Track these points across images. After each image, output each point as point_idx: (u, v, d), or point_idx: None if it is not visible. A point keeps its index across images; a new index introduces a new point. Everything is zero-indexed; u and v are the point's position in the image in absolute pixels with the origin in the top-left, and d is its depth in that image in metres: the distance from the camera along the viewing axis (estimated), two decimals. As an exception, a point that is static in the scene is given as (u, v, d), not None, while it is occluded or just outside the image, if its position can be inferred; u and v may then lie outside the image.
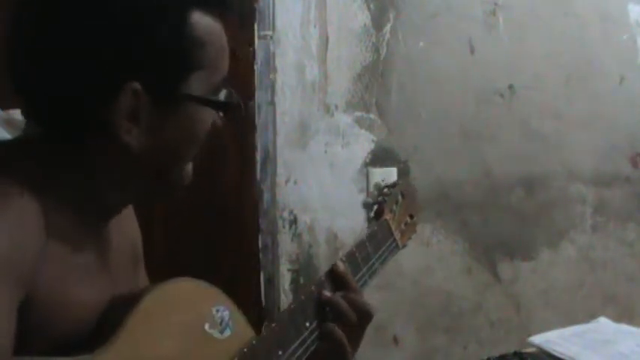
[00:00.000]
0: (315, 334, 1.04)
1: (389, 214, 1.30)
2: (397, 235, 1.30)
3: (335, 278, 1.08)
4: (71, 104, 0.82)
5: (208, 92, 0.88)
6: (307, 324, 1.03)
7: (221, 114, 0.91)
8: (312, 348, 1.03)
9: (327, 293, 1.05)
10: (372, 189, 1.38)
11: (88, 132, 0.83)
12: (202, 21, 0.85)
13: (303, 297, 1.04)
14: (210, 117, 0.90)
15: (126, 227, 0.99)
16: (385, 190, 1.34)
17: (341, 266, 1.09)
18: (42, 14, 0.82)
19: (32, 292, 0.75)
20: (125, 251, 0.97)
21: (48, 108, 0.84)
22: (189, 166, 0.92)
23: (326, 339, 1.04)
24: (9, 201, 0.76)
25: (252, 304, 1.98)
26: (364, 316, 1.06)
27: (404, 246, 1.33)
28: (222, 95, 0.90)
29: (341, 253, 1.16)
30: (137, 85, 0.81)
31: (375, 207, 1.31)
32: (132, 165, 0.86)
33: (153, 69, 0.83)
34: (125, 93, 0.81)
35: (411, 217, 1.38)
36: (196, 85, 0.86)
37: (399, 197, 1.35)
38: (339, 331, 1.03)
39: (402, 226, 1.34)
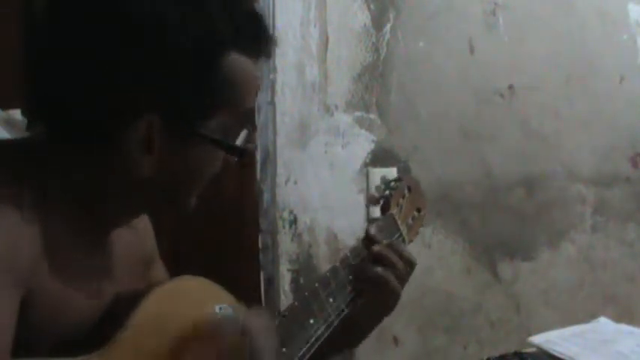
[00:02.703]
0: (336, 313, 1.08)
1: (395, 208, 1.29)
2: (404, 229, 1.29)
3: (369, 243, 1.16)
4: (86, 121, 0.81)
5: (228, 131, 0.87)
6: (331, 300, 1.07)
7: (235, 158, 0.91)
8: (317, 344, 1.05)
9: (377, 246, 1.15)
10: (378, 182, 1.38)
11: (99, 145, 0.83)
12: (236, 62, 0.84)
13: (328, 273, 1.10)
14: (221, 158, 0.89)
15: (137, 234, 0.99)
16: (392, 183, 1.33)
17: (372, 229, 1.18)
18: (74, 31, 0.81)
19: (30, 293, 0.75)
20: (131, 257, 0.97)
21: (67, 119, 0.83)
22: (193, 199, 0.92)
23: (375, 286, 1.12)
24: (9, 200, 0.75)
25: (252, 304, 1.98)
26: (409, 263, 1.16)
27: (410, 241, 1.32)
28: (240, 136, 0.89)
29: (342, 252, 1.16)
30: (155, 118, 0.81)
31: (382, 201, 1.30)
32: (135, 187, 0.85)
33: (176, 106, 0.82)
34: (141, 123, 0.80)
35: (419, 210, 1.37)
36: (217, 124, 0.85)
37: (406, 191, 1.34)
38: (391, 276, 1.13)
39: (409, 220, 1.33)
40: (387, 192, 1.31)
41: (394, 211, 1.28)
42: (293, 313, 1.03)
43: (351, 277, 1.13)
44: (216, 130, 0.85)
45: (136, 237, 0.99)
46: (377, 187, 1.36)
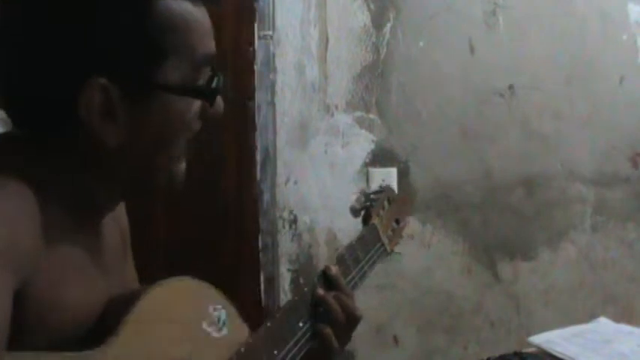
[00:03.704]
0: (309, 333, 1.05)
1: (376, 218, 1.31)
2: (385, 240, 1.31)
3: (327, 280, 1.10)
4: (38, 102, 0.81)
5: (188, 78, 0.84)
6: (301, 324, 1.04)
7: (206, 102, 0.87)
8: (307, 348, 1.04)
9: (321, 291, 1.08)
10: (358, 195, 1.38)
11: (67, 129, 0.82)
12: (173, 5, 0.82)
13: (296, 297, 1.06)
14: (190, 106, 0.86)
15: (116, 222, 0.99)
16: (372, 196, 1.35)
17: (333, 269, 1.11)
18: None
19: (28, 288, 0.75)
20: (117, 247, 0.97)
21: (19, 106, 0.83)
22: (182, 165, 0.89)
23: (316, 336, 1.06)
24: (5, 193, 0.75)
25: (252, 304, 1.98)
26: (352, 319, 1.09)
27: (392, 251, 1.34)
28: (211, 81, 0.86)
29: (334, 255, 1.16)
30: (102, 80, 0.78)
31: (363, 212, 1.31)
32: (114, 160, 0.84)
33: (119, 60, 0.80)
34: (90, 88, 0.78)
35: (397, 222, 1.39)
36: (173, 72, 0.82)
37: (385, 203, 1.36)
38: (328, 329, 1.06)
39: (389, 231, 1.35)
40: (368, 203, 1.32)
41: (376, 221, 1.30)
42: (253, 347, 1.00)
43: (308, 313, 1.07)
44: (173, 80, 0.82)
45: (118, 233, 0.98)
46: (357, 199, 1.36)
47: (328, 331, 1.06)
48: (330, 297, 1.07)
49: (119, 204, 0.93)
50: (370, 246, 1.25)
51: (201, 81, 0.86)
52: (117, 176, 0.86)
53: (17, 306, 0.73)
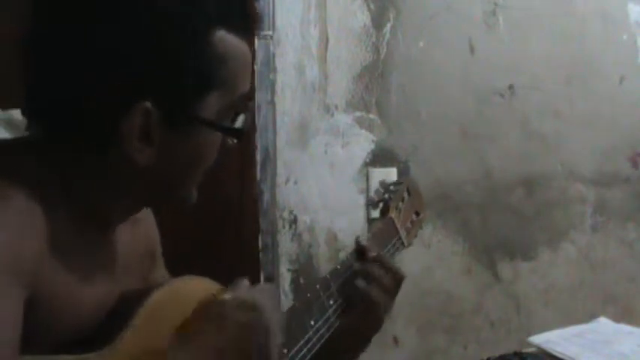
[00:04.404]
0: (332, 318, 1.06)
1: (394, 211, 1.29)
2: (403, 233, 1.30)
3: (360, 254, 1.14)
4: (81, 115, 0.81)
5: (223, 113, 0.86)
6: (312, 322, 1.04)
7: (234, 140, 0.90)
8: (319, 345, 1.04)
9: (371, 252, 1.13)
10: (377, 186, 1.37)
11: (97, 141, 0.82)
12: (225, 39, 0.83)
13: (308, 294, 1.06)
14: (219, 139, 0.88)
15: (140, 232, 0.99)
16: (391, 187, 1.33)
17: (364, 240, 1.15)
18: (58, 23, 0.81)
19: (35, 293, 0.75)
20: (133, 256, 0.97)
21: (61, 116, 0.83)
22: (195, 191, 0.91)
23: (362, 302, 1.10)
24: (12, 200, 0.75)
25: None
26: (397, 277, 1.13)
27: (410, 244, 1.32)
28: (237, 120, 0.88)
29: (342, 254, 1.17)
30: (149, 105, 0.80)
31: (381, 205, 1.30)
32: (137, 179, 0.85)
33: (169, 90, 0.81)
34: (136, 112, 0.80)
35: (417, 214, 1.37)
36: (212, 105, 0.84)
37: (405, 194, 1.34)
38: (376, 291, 1.10)
39: (408, 223, 1.33)
40: (386, 195, 1.31)
41: (393, 214, 1.28)
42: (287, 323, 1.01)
43: (338, 290, 1.10)
44: (211, 113, 0.84)
45: (139, 234, 0.99)
46: (376, 191, 1.35)
47: (376, 292, 1.10)
48: (370, 263, 1.12)
49: (129, 217, 0.93)
50: (387, 240, 1.24)
51: (232, 116, 0.88)
52: (135, 195, 0.87)
53: (24, 312, 0.73)
